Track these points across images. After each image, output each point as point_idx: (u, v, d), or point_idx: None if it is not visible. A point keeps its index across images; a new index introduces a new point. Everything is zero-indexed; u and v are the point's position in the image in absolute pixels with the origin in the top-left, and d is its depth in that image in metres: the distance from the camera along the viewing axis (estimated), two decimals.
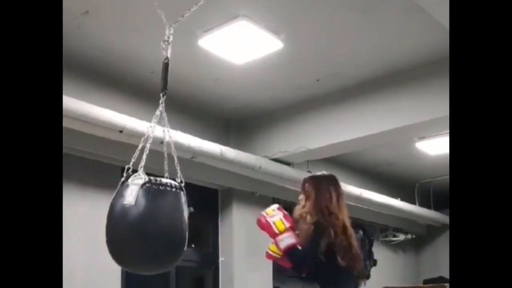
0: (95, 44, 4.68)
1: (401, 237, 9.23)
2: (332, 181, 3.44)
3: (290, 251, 3.22)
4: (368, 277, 8.03)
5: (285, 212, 3.37)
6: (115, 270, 5.24)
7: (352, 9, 4.28)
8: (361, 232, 8.00)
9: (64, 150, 4.11)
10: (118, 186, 3.00)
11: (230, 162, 5.69)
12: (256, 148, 6.28)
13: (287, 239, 3.24)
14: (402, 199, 8.29)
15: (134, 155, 3.09)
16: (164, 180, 2.92)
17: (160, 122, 3.14)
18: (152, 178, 2.88)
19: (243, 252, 6.48)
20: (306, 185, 3.45)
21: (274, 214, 3.34)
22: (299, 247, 3.23)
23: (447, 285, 8.57)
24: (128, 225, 2.81)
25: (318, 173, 3.59)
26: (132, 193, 2.84)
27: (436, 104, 5.14)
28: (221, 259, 6.46)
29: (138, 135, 4.82)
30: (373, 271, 8.13)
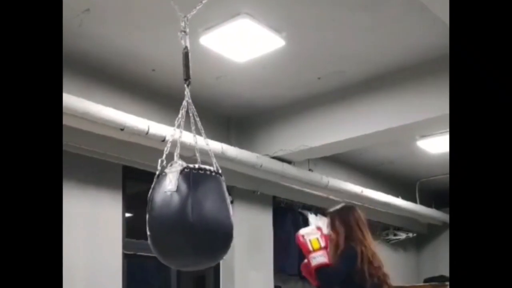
0: (96, 42, 4.67)
1: (402, 235, 9.22)
2: (354, 211, 3.75)
3: (320, 269, 3.36)
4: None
5: (323, 232, 3.57)
6: (116, 268, 5.25)
7: (353, 7, 4.27)
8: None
9: (64, 148, 4.11)
10: (154, 180, 2.84)
11: (231, 160, 5.68)
12: (257, 146, 6.27)
13: (320, 257, 3.44)
14: (403, 198, 8.28)
15: (167, 146, 2.96)
16: (202, 166, 2.78)
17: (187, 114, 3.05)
18: (190, 164, 2.74)
19: (244, 251, 6.48)
20: (335, 222, 3.69)
21: (312, 232, 3.53)
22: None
23: (448, 283, 8.58)
24: (172, 213, 2.62)
25: (339, 206, 3.78)
26: (172, 180, 2.68)
27: (437, 102, 5.14)
28: None
29: (139, 133, 4.83)
30: None
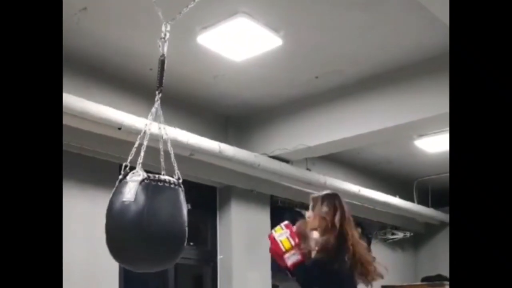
0: (93, 41, 4.67)
1: (400, 235, 9.23)
2: (338, 198, 3.65)
3: (296, 268, 3.41)
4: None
5: (293, 229, 3.53)
6: (113, 267, 5.23)
7: (351, 6, 4.27)
8: (359, 230, 8.00)
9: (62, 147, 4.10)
10: (116, 184, 2.99)
11: (229, 159, 5.68)
12: (254, 146, 6.27)
13: (293, 257, 3.42)
14: (400, 197, 8.28)
15: (132, 152, 3.09)
16: (162, 177, 2.91)
17: (156, 120, 3.14)
18: (150, 174, 2.87)
19: (242, 250, 6.47)
20: (318, 203, 3.62)
21: (282, 233, 3.50)
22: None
23: (446, 283, 8.58)
24: (128, 222, 2.80)
25: (324, 192, 3.76)
26: (131, 190, 2.83)
27: (435, 101, 5.14)
28: (219, 257, 6.45)
29: (137, 132, 4.80)
30: None
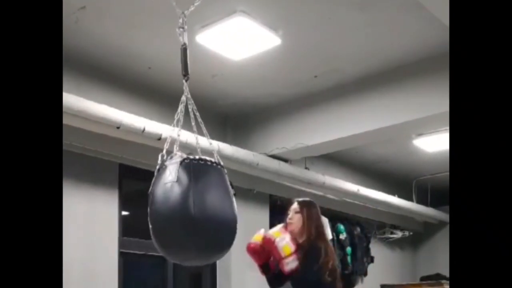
0: (92, 39, 4.66)
1: (398, 234, 9.23)
2: (315, 207, 3.83)
3: (293, 276, 3.48)
4: (365, 274, 8.05)
5: (288, 235, 3.58)
6: (113, 267, 5.24)
7: (350, 5, 4.27)
8: (358, 229, 8.01)
9: None
10: (155, 174, 2.77)
11: (228, 158, 5.67)
12: (253, 145, 6.27)
13: (292, 263, 3.46)
14: (399, 196, 8.28)
15: (167, 141, 2.91)
16: (203, 157, 2.70)
17: (185, 112, 3.03)
18: (190, 155, 2.67)
19: (241, 249, 6.45)
20: (297, 207, 3.78)
21: (281, 237, 3.51)
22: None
23: (444, 282, 8.59)
24: (173, 205, 2.54)
25: (303, 199, 3.90)
26: (172, 171, 2.60)
27: (434, 100, 5.14)
28: None
29: (135, 131, 4.82)
30: (370, 268, 8.14)
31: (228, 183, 2.78)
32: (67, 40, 4.43)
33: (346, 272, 7.54)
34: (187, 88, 3.09)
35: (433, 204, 9.10)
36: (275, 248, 3.47)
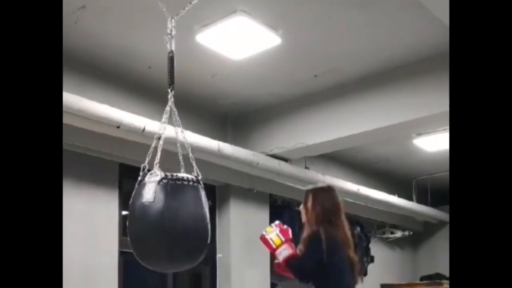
0: (92, 39, 4.66)
1: (398, 233, 9.23)
2: (329, 192, 3.70)
3: (288, 262, 3.45)
4: (365, 274, 8.05)
5: (283, 227, 3.58)
6: (112, 266, 5.24)
7: (350, 4, 4.27)
8: (358, 229, 8.01)
9: None
10: (136, 186, 2.98)
11: (228, 158, 5.67)
12: (253, 144, 6.27)
13: (284, 251, 3.47)
14: (399, 196, 8.28)
15: (149, 152, 3.06)
16: (180, 175, 2.90)
17: (170, 118, 3.12)
18: (168, 174, 2.87)
19: (241, 248, 6.47)
20: (306, 197, 3.70)
21: (272, 231, 3.54)
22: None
23: (445, 281, 8.59)
24: (148, 223, 2.79)
25: (319, 185, 3.79)
26: (150, 190, 2.82)
27: (433, 100, 5.14)
28: (218, 255, 6.45)
29: (135, 131, 4.82)
30: (370, 268, 8.14)
31: (203, 197, 2.96)
32: (67, 39, 4.42)
33: None
34: (172, 99, 3.08)
35: (433, 204, 9.10)
36: (267, 241, 3.52)
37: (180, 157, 3.13)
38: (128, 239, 2.93)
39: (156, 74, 5.27)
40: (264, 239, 3.54)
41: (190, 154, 3.07)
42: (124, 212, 5.51)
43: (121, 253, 5.34)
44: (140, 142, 5.00)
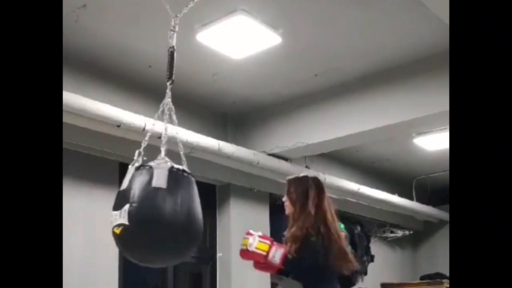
0: (93, 38, 4.66)
1: (399, 233, 9.23)
2: (313, 181, 3.41)
3: (286, 262, 3.19)
4: (365, 273, 8.04)
5: (258, 233, 3.32)
6: (113, 266, 5.24)
7: (350, 3, 4.27)
8: (358, 228, 8.01)
9: None
10: (132, 171, 2.84)
11: (228, 157, 5.68)
12: (254, 143, 6.27)
13: (277, 253, 3.21)
14: (399, 195, 8.29)
15: (145, 139, 3.01)
16: (183, 167, 2.82)
17: (165, 114, 3.09)
18: (174, 165, 2.78)
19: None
20: (289, 187, 3.44)
21: (250, 242, 3.27)
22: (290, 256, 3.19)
23: (445, 281, 8.59)
24: (160, 210, 2.64)
25: (293, 176, 3.59)
26: (161, 176, 2.69)
27: (434, 99, 5.14)
28: (218, 254, 6.45)
29: (135, 130, 4.82)
30: (370, 267, 8.14)
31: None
32: (67, 38, 4.42)
33: None
34: (170, 93, 3.06)
35: (433, 203, 9.10)
36: (253, 254, 3.23)
37: (181, 153, 3.07)
38: (124, 223, 2.74)
39: (157, 73, 5.27)
40: (247, 254, 3.27)
41: (182, 151, 3.02)
42: None
43: (121, 253, 5.33)
44: (140, 141, 5.00)
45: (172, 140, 3.07)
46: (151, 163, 2.82)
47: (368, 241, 8.25)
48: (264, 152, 6.19)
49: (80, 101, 4.42)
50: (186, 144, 5.24)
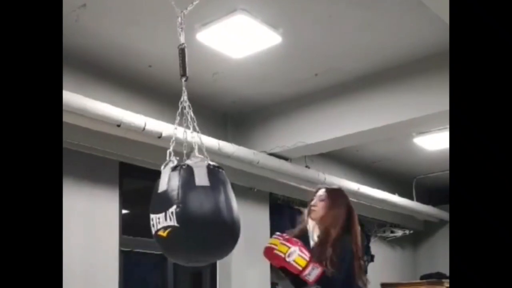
0: (93, 38, 4.66)
1: (399, 232, 9.23)
2: (343, 196, 3.71)
3: (321, 279, 3.23)
4: (365, 273, 8.04)
5: (299, 242, 3.33)
6: (112, 266, 5.24)
7: (351, 3, 4.27)
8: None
9: None
10: (168, 171, 2.77)
11: (228, 156, 5.67)
12: (254, 143, 6.27)
13: (314, 271, 3.22)
14: (399, 195, 8.28)
15: (172, 139, 2.95)
16: (214, 163, 2.78)
17: (184, 113, 3.04)
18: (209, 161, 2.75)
19: (241, 248, 6.43)
20: (323, 194, 3.59)
21: (290, 252, 3.26)
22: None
23: (445, 280, 8.59)
24: (208, 210, 2.62)
25: (332, 187, 3.71)
26: (201, 175, 2.66)
27: (434, 99, 5.14)
28: None
29: (136, 129, 4.82)
30: (370, 267, 8.14)
31: None
32: (67, 38, 4.42)
33: None
34: (185, 91, 3.04)
35: (434, 203, 9.10)
36: (288, 264, 3.25)
37: (204, 151, 3.00)
38: (175, 226, 2.63)
39: (157, 72, 5.28)
40: (281, 260, 3.26)
41: (204, 151, 2.97)
42: (124, 211, 5.51)
43: (122, 252, 5.34)
44: (141, 141, 5.00)
45: (177, 141, 3.03)
46: (188, 162, 2.78)
47: (368, 241, 8.26)
48: (264, 151, 6.19)
49: (80, 100, 4.42)
50: (186, 144, 5.24)
